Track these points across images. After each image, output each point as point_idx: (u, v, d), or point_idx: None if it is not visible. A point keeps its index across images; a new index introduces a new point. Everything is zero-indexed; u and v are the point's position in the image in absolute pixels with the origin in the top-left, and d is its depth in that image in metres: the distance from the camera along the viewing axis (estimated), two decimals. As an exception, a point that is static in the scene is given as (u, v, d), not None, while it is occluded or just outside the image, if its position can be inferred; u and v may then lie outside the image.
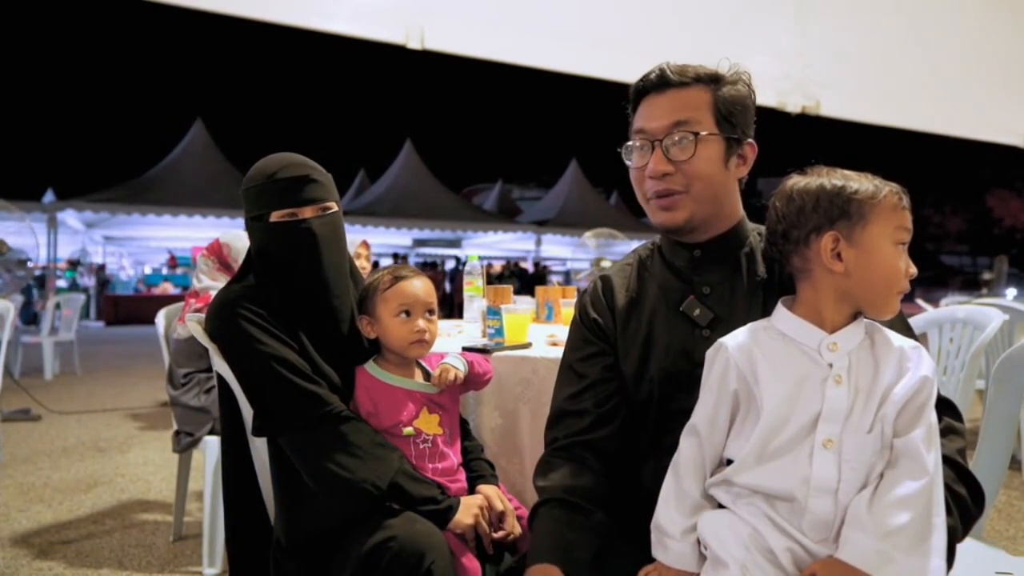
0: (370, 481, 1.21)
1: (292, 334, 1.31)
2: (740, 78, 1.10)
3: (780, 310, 0.95)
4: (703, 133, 1.05)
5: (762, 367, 0.91)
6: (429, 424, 1.35)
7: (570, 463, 1.08)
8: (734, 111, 1.07)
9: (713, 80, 1.08)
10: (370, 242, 3.10)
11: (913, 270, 0.90)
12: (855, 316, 0.92)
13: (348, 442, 1.24)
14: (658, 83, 1.09)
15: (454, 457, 1.37)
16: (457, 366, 1.38)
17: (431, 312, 1.39)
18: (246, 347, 1.26)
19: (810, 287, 0.93)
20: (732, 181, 1.10)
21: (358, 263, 2.70)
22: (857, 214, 0.90)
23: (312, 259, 1.33)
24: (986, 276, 8.46)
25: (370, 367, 1.38)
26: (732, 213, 1.12)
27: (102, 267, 17.90)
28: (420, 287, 1.38)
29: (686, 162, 1.05)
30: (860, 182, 0.92)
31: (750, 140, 1.11)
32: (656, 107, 1.08)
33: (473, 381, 1.44)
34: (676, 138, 1.05)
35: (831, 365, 0.88)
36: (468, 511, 1.26)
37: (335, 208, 1.39)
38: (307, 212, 1.33)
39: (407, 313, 1.35)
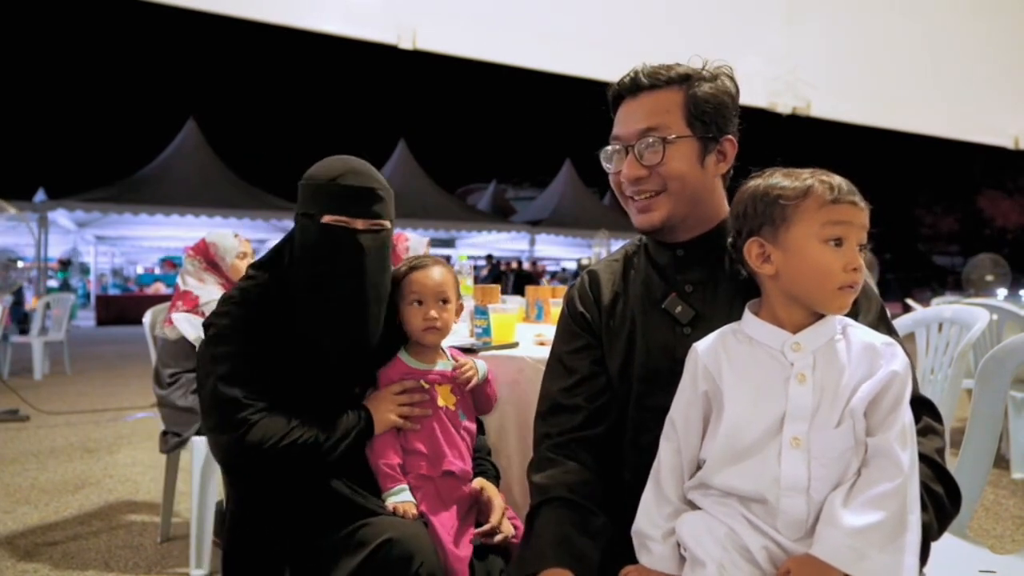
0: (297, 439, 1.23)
1: (284, 335, 1.29)
2: (720, 73, 1.10)
3: (746, 314, 0.95)
4: (671, 136, 1.06)
5: (726, 369, 0.91)
6: (447, 398, 1.41)
7: (569, 461, 1.07)
8: (707, 109, 1.07)
9: (684, 80, 1.08)
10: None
11: (857, 264, 0.88)
12: (820, 315, 0.91)
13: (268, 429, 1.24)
14: (631, 87, 1.11)
15: (469, 436, 1.43)
16: (478, 369, 1.45)
17: (445, 301, 1.42)
18: (226, 347, 1.27)
19: (763, 290, 0.95)
20: (711, 179, 1.10)
21: None
22: (779, 216, 0.90)
23: (354, 271, 1.30)
24: (973, 276, 8.51)
25: (402, 355, 1.43)
26: (715, 212, 1.12)
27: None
28: (433, 276, 1.41)
29: (658, 165, 1.07)
30: (788, 181, 0.91)
31: (729, 136, 1.10)
32: (629, 112, 1.11)
33: (481, 396, 1.48)
34: (648, 142, 1.07)
35: (793, 364, 0.88)
36: (381, 406, 1.33)
37: (388, 226, 1.36)
38: (359, 224, 1.30)
39: (419, 302, 1.40)
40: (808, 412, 0.85)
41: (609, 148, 1.14)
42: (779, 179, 0.92)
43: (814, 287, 0.89)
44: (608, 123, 1.20)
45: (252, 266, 1.39)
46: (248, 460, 1.23)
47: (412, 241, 2.78)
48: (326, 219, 1.29)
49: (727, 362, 0.91)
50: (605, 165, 1.16)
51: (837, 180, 0.90)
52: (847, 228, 0.88)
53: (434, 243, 18.62)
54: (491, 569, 1.29)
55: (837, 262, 0.87)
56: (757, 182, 0.94)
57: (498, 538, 1.31)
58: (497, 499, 1.36)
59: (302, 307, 1.31)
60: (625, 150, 1.10)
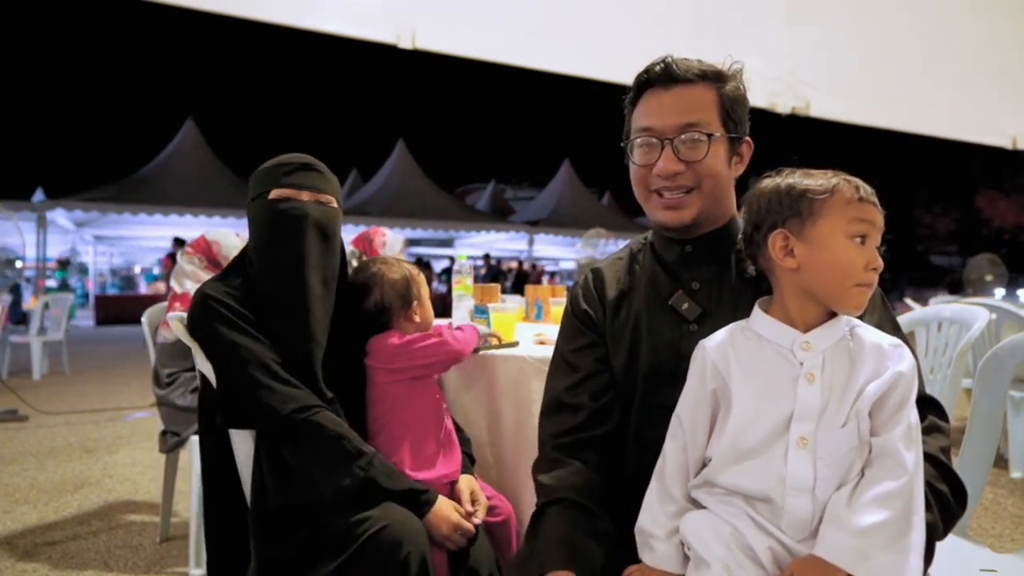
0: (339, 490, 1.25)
1: (264, 324, 1.32)
2: (738, 72, 1.10)
3: (756, 311, 0.95)
4: (716, 134, 1.05)
5: (735, 367, 0.91)
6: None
7: (575, 461, 1.06)
8: (736, 109, 1.07)
9: (717, 78, 1.07)
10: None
11: (878, 264, 0.89)
12: (831, 315, 0.92)
13: (314, 449, 1.27)
14: (663, 77, 1.07)
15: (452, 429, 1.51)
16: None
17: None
18: (222, 345, 1.30)
19: (776, 287, 0.94)
20: (732, 180, 1.11)
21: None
22: (807, 211, 0.90)
23: (301, 238, 1.35)
24: (972, 276, 8.53)
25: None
26: (725, 211, 1.12)
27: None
28: None
29: (698, 162, 1.05)
30: (814, 179, 0.91)
31: (747, 139, 1.11)
32: (663, 104, 1.07)
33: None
34: (689, 137, 1.04)
35: (803, 364, 0.88)
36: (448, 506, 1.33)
37: (334, 204, 1.43)
38: (305, 196, 1.38)
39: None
40: (816, 412, 0.85)
41: (639, 139, 1.09)
42: (801, 177, 0.92)
43: (834, 283, 0.89)
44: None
45: (214, 276, 1.43)
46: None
47: (388, 236, 2.78)
48: (273, 194, 1.37)
49: (735, 360, 0.91)
50: (631, 157, 1.11)
51: (858, 181, 0.91)
52: (871, 227, 0.89)
53: (433, 243, 18.64)
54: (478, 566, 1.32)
55: (860, 259, 0.88)
56: (776, 180, 0.94)
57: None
58: (482, 496, 1.43)
59: (264, 286, 1.35)
60: (660, 143, 1.06)
